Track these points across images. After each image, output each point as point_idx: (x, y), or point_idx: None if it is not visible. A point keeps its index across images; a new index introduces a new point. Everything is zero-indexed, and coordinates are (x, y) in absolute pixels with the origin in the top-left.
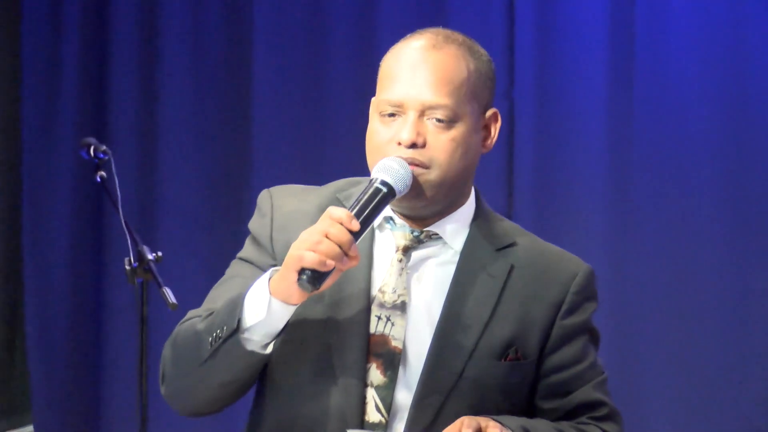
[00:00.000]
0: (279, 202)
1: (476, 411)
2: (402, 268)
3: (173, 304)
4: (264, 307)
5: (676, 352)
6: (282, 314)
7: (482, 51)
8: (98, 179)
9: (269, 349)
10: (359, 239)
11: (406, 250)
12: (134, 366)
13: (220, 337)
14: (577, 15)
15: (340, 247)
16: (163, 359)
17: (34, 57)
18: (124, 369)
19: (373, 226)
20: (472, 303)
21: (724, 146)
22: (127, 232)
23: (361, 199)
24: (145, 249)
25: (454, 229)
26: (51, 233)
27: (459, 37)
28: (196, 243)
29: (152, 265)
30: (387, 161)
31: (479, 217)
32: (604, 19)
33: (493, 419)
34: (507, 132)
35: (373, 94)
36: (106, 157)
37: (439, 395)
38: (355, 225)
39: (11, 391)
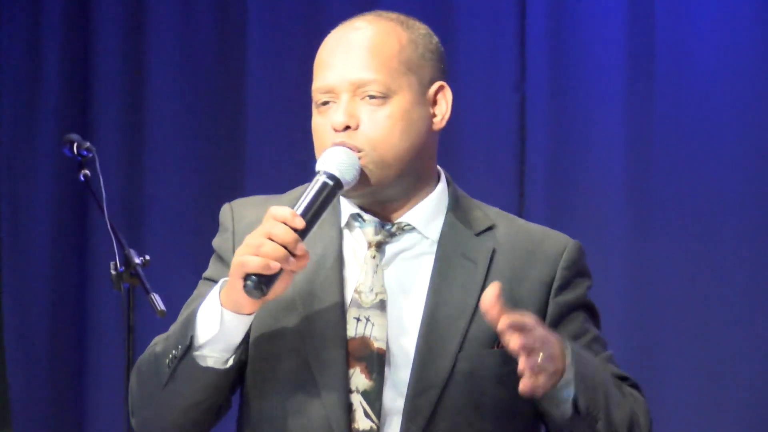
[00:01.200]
0: (239, 215)
1: (474, 404)
2: (377, 265)
3: (161, 311)
4: (217, 320)
5: (697, 354)
6: (237, 326)
7: (419, 25)
8: (82, 178)
9: (229, 364)
10: (306, 237)
11: (379, 246)
12: (120, 376)
13: (176, 357)
14: (593, 4)
15: (285, 247)
16: (129, 390)
17: (12, 47)
18: (109, 380)
19: (340, 227)
20: (456, 292)
21: (747, 144)
22: (112, 235)
23: (307, 194)
24: (132, 252)
25: (427, 217)
26: (31, 236)
27: (391, 14)
28: (186, 246)
29: (139, 269)
30: (330, 151)
31: (454, 202)
32: (621, 8)
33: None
34: (518, 128)
35: None
36: (90, 155)
37: (433, 392)
38: (299, 222)
39: None
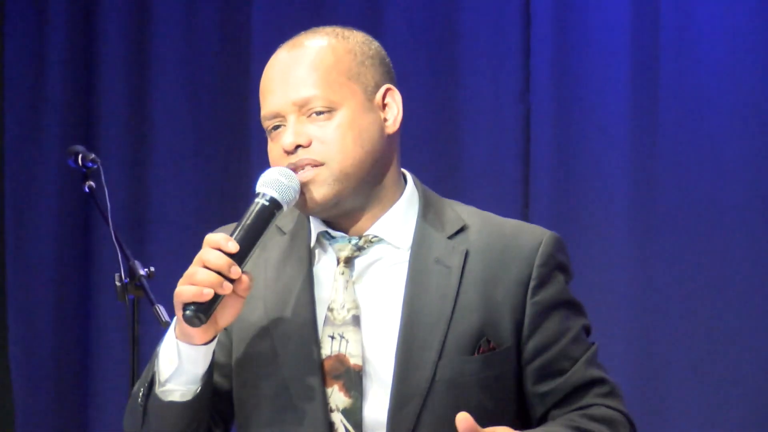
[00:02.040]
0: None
1: (457, 412)
2: (347, 281)
3: (166, 322)
4: (175, 354)
5: (701, 356)
6: (195, 357)
7: (356, 33)
8: (86, 189)
9: (190, 396)
10: (245, 261)
11: (348, 261)
12: (124, 389)
13: (144, 395)
14: (597, 13)
15: (219, 272)
16: (123, 427)
17: (17, 58)
18: (113, 392)
19: (309, 246)
20: (432, 299)
21: (751, 146)
22: (117, 246)
23: (245, 218)
24: (137, 264)
25: (396, 226)
26: (35, 247)
27: (326, 29)
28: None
29: (144, 281)
30: (268, 174)
31: (424, 206)
32: (626, 16)
33: None
34: (523, 137)
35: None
36: (95, 166)
37: (415, 403)
38: (233, 246)
39: None
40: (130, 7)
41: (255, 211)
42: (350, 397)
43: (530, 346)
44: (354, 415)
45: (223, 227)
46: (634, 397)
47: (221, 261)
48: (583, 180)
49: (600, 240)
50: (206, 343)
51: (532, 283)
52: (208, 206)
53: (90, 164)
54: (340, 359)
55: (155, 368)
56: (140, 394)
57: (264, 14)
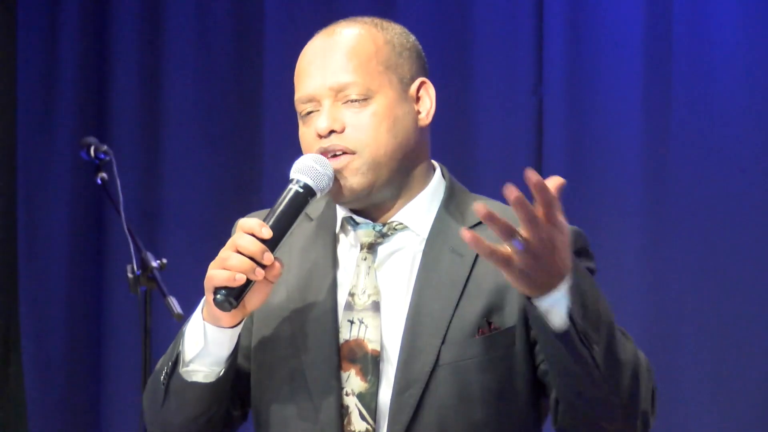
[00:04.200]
0: None
1: (461, 395)
2: (369, 267)
3: (178, 314)
4: (201, 335)
5: (712, 353)
6: (221, 339)
7: (395, 25)
8: (99, 181)
9: (213, 378)
10: (278, 247)
11: (371, 247)
12: (136, 381)
13: (167, 375)
14: (610, 6)
15: (252, 258)
16: (143, 407)
17: (30, 50)
18: (125, 384)
19: (334, 232)
20: (441, 285)
21: (764, 146)
22: (129, 238)
23: (278, 204)
24: (149, 256)
25: (420, 215)
26: (48, 239)
27: (364, 18)
28: (203, 249)
29: (156, 272)
30: (302, 160)
31: (448, 196)
32: (639, 10)
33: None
34: (535, 132)
35: None
36: (108, 158)
37: (417, 387)
38: (267, 233)
39: (6, 407)
40: (143, 0)
41: (288, 197)
42: (366, 381)
43: None
44: (369, 399)
45: (254, 213)
46: None
47: (255, 247)
48: (595, 174)
49: (612, 235)
50: (233, 327)
51: None
52: (220, 198)
53: (102, 156)
54: (359, 344)
55: (180, 348)
56: (163, 372)
57: (276, 9)
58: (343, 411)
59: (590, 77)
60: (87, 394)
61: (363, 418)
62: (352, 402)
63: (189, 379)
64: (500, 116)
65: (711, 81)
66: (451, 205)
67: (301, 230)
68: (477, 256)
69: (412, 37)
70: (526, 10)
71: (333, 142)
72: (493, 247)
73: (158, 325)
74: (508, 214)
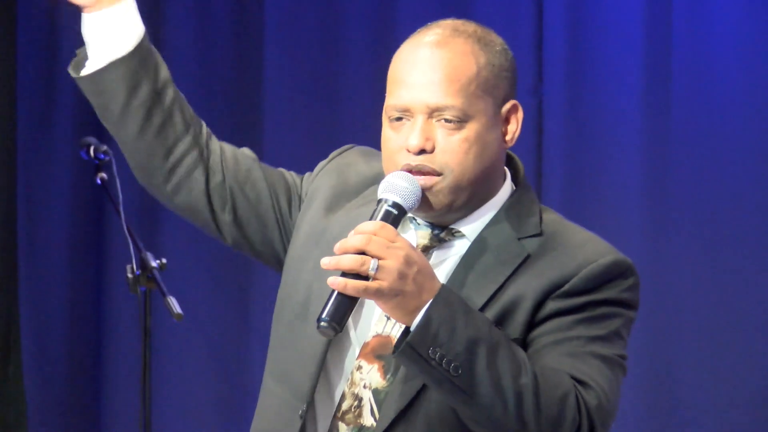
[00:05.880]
0: (349, 154)
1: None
2: None
3: (178, 314)
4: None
5: (712, 354)
6: (98, 22)
7: (497, 40)
8: (99, 181)
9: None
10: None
11: (426, 250)
12: (136, 380)
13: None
14: (610, 6)
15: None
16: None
17: (30, 50)
18: (125, 384)
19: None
20: (470, 289)
21: (764, 145)
22: (129, 238)
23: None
24: (149, 256)
25: (480, 224)
26: (48, 239)
27: (470, 27)
28: (203, 249)
29: (156, 272)
30: (392, 179)
31: (509, 205)
32: (639, 10)
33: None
34: (535, 131)
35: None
36: (107, 158)
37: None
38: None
39: (6, 407)
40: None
41: (381, 217)
42: (385, 380)
43: (530, 337)
44: (382, 398)
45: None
46: (646, 396)
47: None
48: (594, 173)
49: (611, 234)
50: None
51: (564, 288)
52: None
53: (102, 156)
54: (389, 341)
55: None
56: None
57: (276, 9)
58: (353, 402)
59: (590, 77)
60: (87, 394)
61: (372, 413)
62: (366, 395)
63: (93, 70)
64: None
65: (711, 80)
66: (510, 213)
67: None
68: (518, 268)
69: (511, 54)
70: (526, 10)
71: (421, 162)
72: (359, 285)
73: (158, 325)
74: (563, 230)
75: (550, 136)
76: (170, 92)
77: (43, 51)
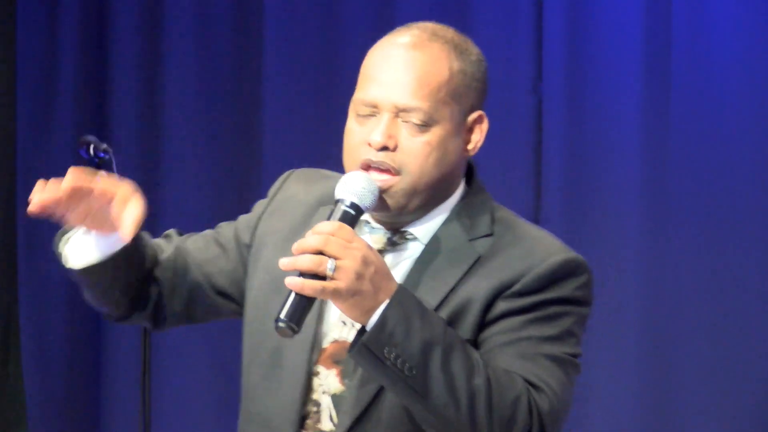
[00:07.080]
0: (288, 186)
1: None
2: None
3: None
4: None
5: (712, 356)
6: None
7: (473, 50)
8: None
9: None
10: None
11: (380, 254)
12: (136, 378)
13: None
14: (609, 3)
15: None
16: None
17: (29, 48)
18: (125, 381)
19: None
20: (423, 291)
21: (763, 146)
22: None
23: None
24: None
25: (433, 228)
26: (47, 239)
27: (448, 33)
28: None
29: None
30: (350, 179)
31: (460, 207)
32: (638, 10)
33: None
34: (535, 130)
35: None
36: (107, 157)
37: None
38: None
39: (5, 406)
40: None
41: (338, 219)
42: (344, 385)
43: (480, 338)
44: (341, 403)
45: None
46: (645, 396)
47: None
48: (594, 173)
49: (611, 234)
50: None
51: (514, 288)
52: (220, 197)
53: (102, 154)
54: (346, 347)
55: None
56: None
57: (276, 9)
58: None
59: (590, 76)
60: (87, 394)
61: (331, 419)
62: (325, 401)
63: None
64: (499, 115)
65: (710, 80)
66: (461, 215)
67: (318, 217)
68: (469, 269)
69: (485, 66)
70: (526, 9)
71: (381, 158)
72: (317, 286)
73: None
74: (514, 230)
75: (550, 136)
76: (153, 273)
77: (43, 51)
